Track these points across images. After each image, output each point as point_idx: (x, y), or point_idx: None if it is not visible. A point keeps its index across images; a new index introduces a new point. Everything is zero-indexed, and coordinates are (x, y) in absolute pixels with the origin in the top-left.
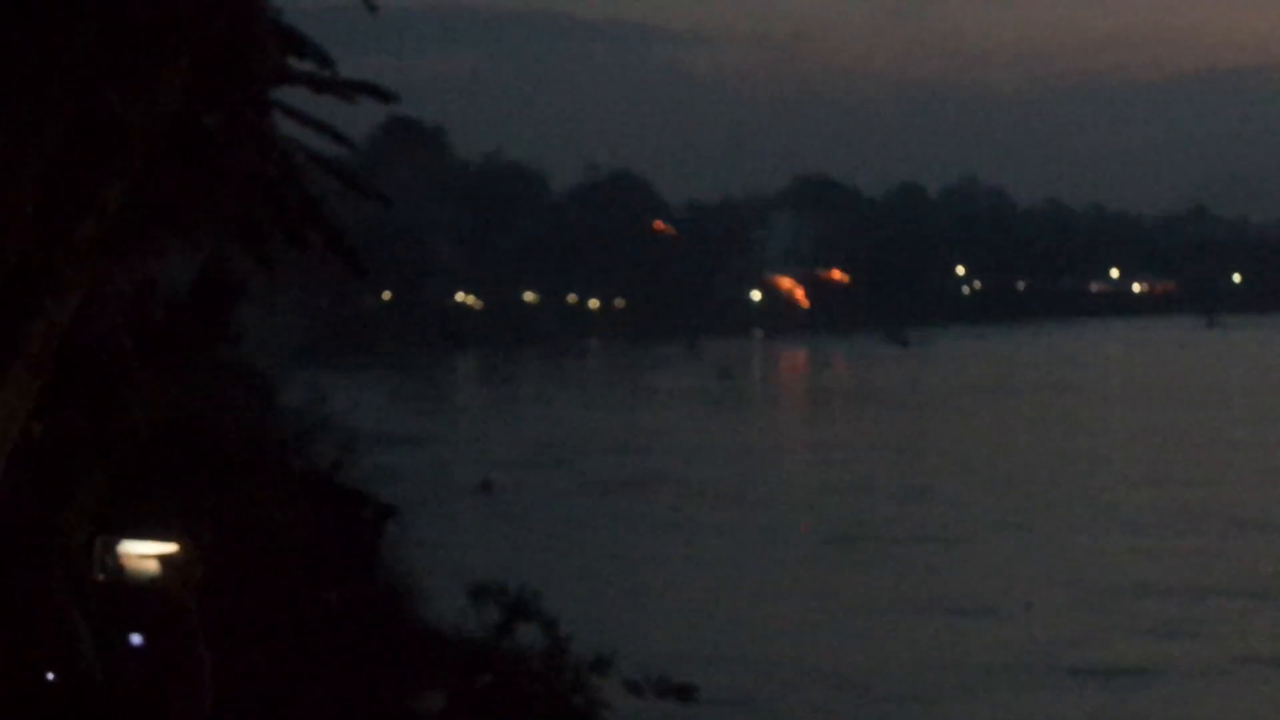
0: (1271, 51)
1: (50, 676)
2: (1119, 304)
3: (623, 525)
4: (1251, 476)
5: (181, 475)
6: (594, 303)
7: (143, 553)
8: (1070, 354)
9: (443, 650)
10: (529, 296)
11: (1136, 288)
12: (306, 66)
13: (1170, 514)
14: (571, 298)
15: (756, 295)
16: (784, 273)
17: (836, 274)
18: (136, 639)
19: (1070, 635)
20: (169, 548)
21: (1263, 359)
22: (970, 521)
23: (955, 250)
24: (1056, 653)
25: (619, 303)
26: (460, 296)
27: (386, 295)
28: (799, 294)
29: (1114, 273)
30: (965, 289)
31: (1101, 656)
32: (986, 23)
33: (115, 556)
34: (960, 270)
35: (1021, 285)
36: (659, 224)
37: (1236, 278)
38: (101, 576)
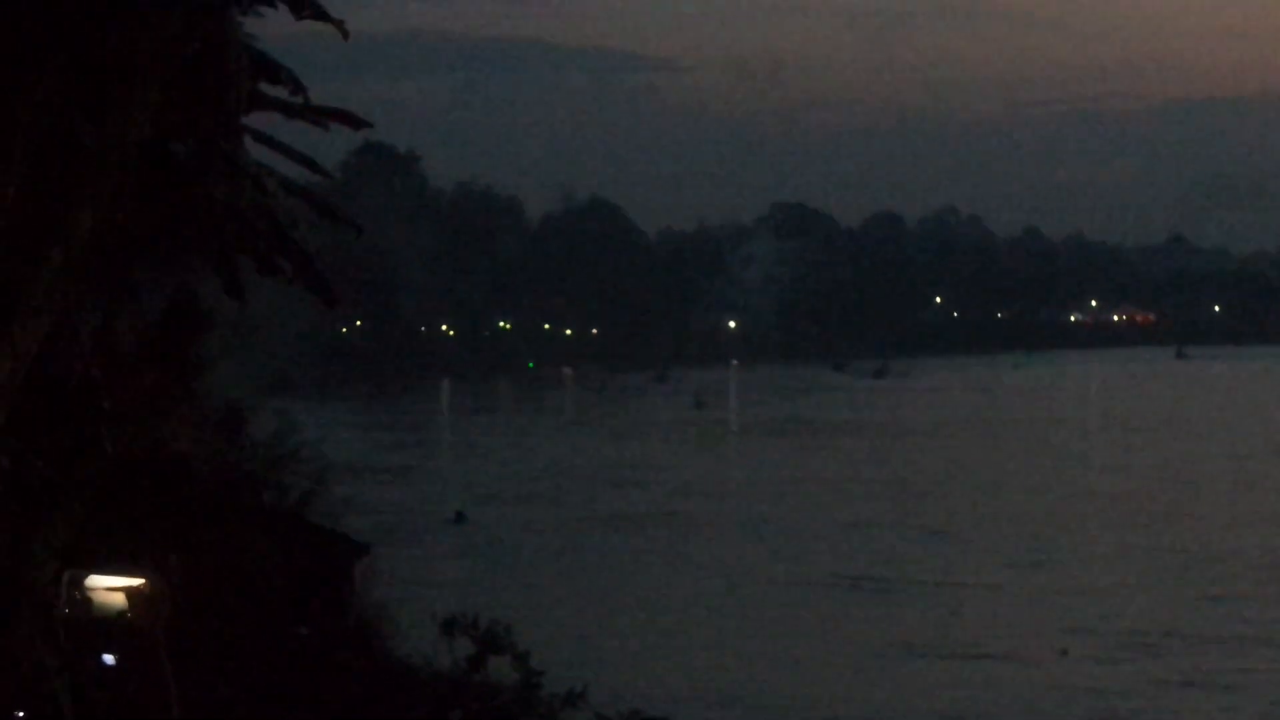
0: (1251, 82)
1: (20, 715)
2: (1098, 335)
3: (601, 559)
4: (1261, 518)
5: (151, 508)
6: (568, 331)
7: (110, 586)
8: (1047, 386)
9: (414, 684)
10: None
11: (1115, 318)
12: (279, 92)
13: (1190, 556)
14: (545, 326)
15: (733, 324)
16: (759, 302)
17: None
18: (109, 658)
19: (1095, 684)
20: (136, 582)
21: (1229, 391)
22: (987, 562)
23: (933, 280)
24: (1081, 702)
25: (593, 331)
26: (433, 324)
27: (359, 324)
28: None
29: (1093, 303)
30: (943, 319)
31: (1129, 708)
32: (966, 52)
33: (83, 590)
34: (938, 300)
35: (1000, 315)
36: None
37: (1216, 308)
38: (68, 611)
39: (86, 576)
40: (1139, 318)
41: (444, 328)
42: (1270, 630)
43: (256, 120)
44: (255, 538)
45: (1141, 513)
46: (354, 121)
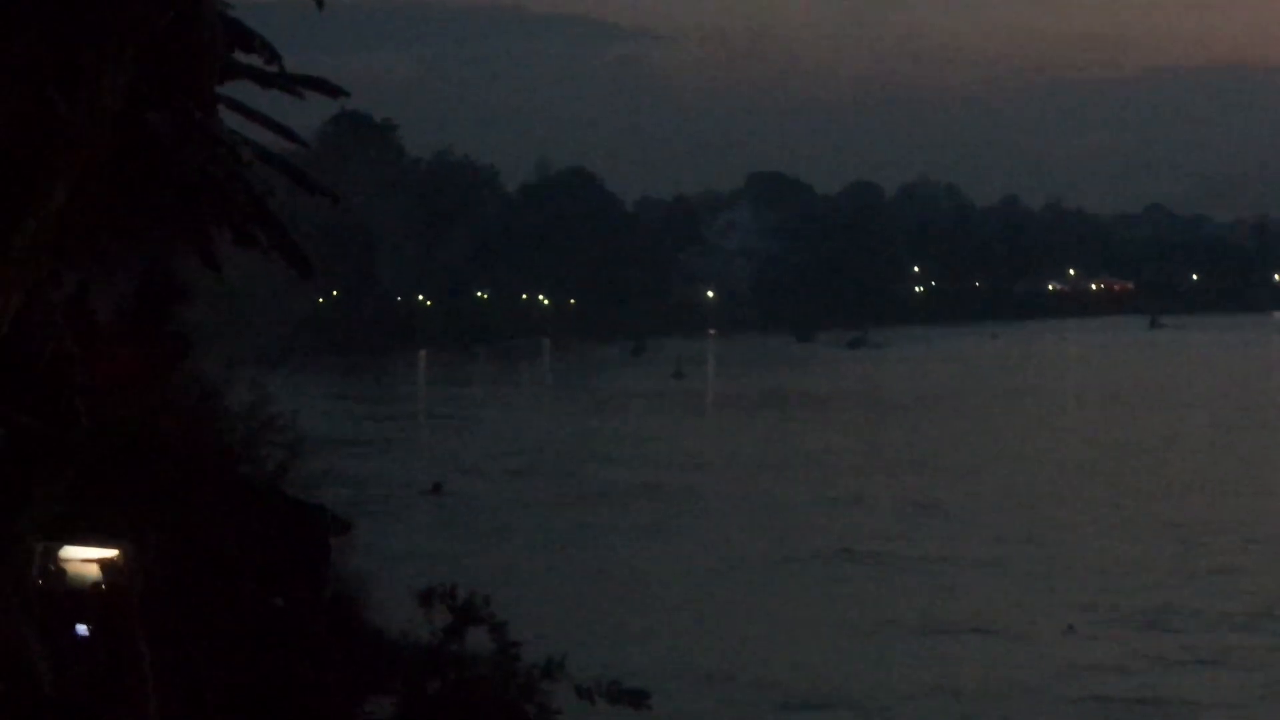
0: (1228, 51)
1: None
2: (1076, 304)
3: (581, 531)
4: (1251, 489)
5: (127, 481)
6: (546, 301)
7: (84, 558)
8: (1025, 356)
9: (391, 655)
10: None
11: (1093, 287)
12: (253, 61)
13: (1185, 529)
14: (523, 296)
15: (710, 294)
16: (737, 271)
17: None
18: (82, 629)
19: (1094, 661)
20: (110, 553)
21: (1204, 360)
22: (981, 537)
23: (911, 250)
24: (1080, 679)
25: (571, 301)
26: (410, 295)
27: (334, 294)
28: None
29: (1071, 272)
30: (921, 289)
31: (1128, 685)
32: (945, 23)
33: (56, 561)
34: (916, 270)
35: (978, 285)
36: None
37: (1195, 277)
38: (41, 581)
39: (60, 548)
40: (1117, 286)
41: (420, 298)
42: (1272, 604)
43: (231, 89)
44: (231, 510)
45: (1131, 485)
46: (330, 90)
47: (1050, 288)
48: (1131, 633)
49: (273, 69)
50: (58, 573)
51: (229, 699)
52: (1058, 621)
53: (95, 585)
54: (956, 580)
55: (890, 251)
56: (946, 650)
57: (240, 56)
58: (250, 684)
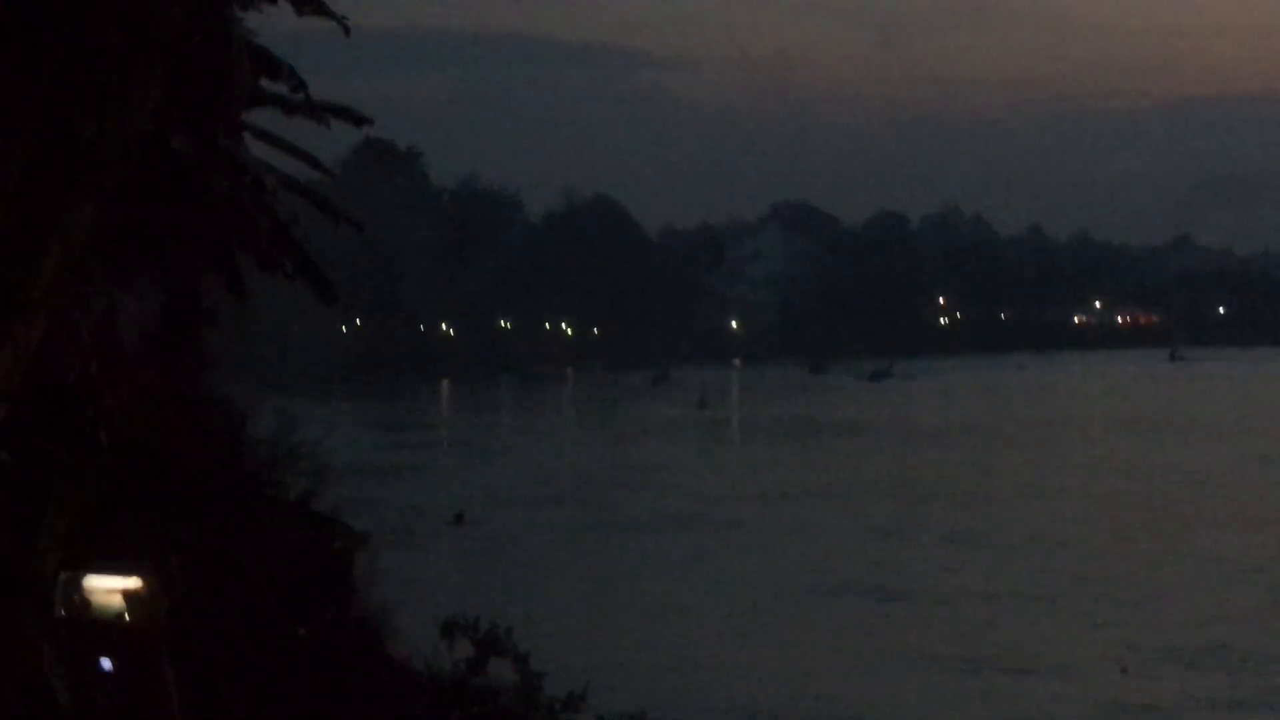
0: (1257, 81)
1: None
2: (1102, 336)
3: (605, 561)
4: None
5: (150, 504)
6: (569, 330)
7: (107, 588)
8: (1054, 388)
9: (414, 686)
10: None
11: (1119, 319)
12: (279, 89)
13: (1233, 565)
14: (547, 325)
15: (735, 324)
16: (762, 301)
17: None
18: (106, 664)
19: (1148, 701)
20: (133, 583)
21: (1228, 393)
22: (1022, 570)
23: (937, 280)
24: None
25: (595, 330)
26: (434, 323)
27: (359, 322)
28: None
29: (1097, 304)
30: (946, 319)
31: None
32: (971, 51)
33: (80, 592)
34: (942, 300)
35: (1004, 316)
36: None
37: (1221, 309)
38: (65, 612)
39: (84, 577)
40: (1143, 319)
41: (445, 326)
42: None
43: (257, 116)
44: (254, 534)
45: (1169, 517)
46: (355, 118)
47: (1076, 319)
48: (1185, 672)
49: (298, 97)
50: (82, 603)
51: None
52: (1106, 659)
53: (119, 616)
54: (999, 614)
55: (916, 281)
56: (992, 688)
57: (267, 84)
58: (271, 710)
